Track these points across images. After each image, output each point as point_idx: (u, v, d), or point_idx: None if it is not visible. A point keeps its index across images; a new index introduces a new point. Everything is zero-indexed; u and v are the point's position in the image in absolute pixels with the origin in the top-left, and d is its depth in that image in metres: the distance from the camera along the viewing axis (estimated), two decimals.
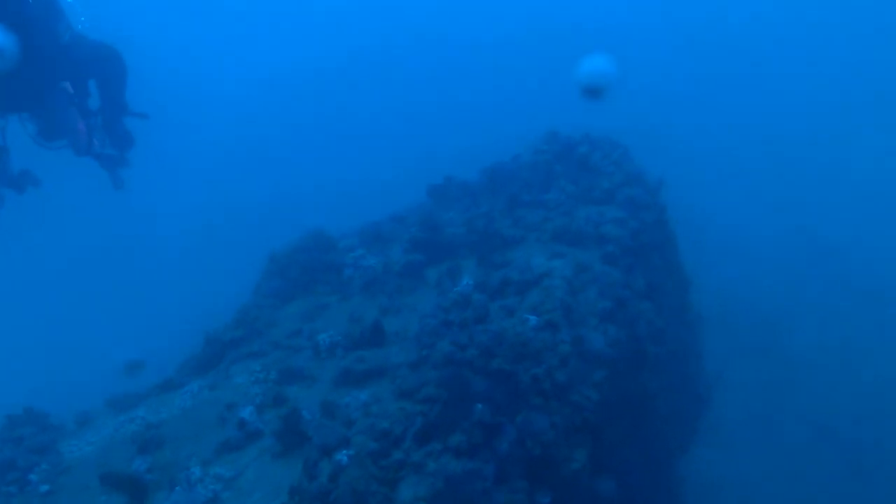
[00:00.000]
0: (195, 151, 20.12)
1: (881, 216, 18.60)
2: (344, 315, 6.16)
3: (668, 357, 6.67)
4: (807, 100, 22.98)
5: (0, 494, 4.89)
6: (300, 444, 4.59)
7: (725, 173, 20.79)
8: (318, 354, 5.56)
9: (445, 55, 24.72)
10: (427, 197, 8.53)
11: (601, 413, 5.29)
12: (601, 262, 6.22)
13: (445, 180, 8.52)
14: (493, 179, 7.96)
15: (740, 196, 20.35)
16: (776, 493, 12.91)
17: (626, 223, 6.47)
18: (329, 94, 23.60)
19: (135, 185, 7.30)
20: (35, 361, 15.62)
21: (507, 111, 21.73)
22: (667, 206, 8.52)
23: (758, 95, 23.43)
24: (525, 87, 23.10)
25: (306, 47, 25.98)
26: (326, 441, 4.46)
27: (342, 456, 4.23)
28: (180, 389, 5.51)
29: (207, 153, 20.50)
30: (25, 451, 5.34)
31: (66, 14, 6.14)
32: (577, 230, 6.55)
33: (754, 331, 16.96)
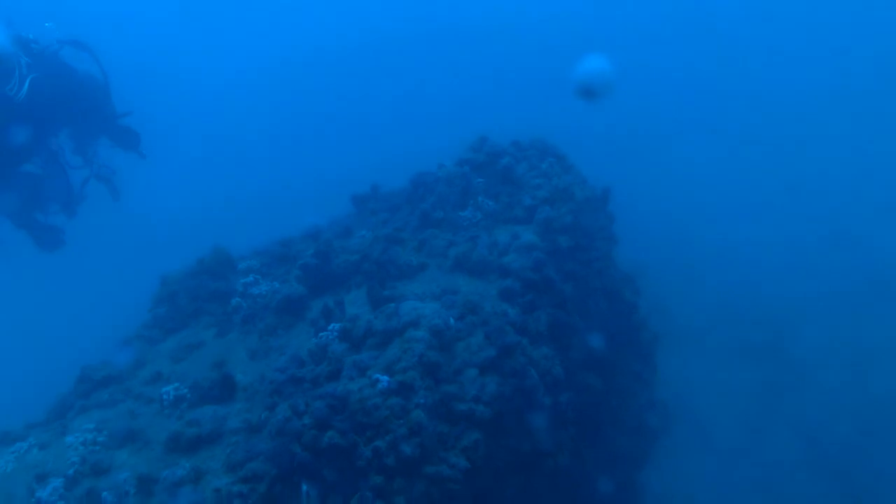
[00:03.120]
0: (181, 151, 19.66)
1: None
2: (213, 357, 5.58)
3: (586, 402, 5.95)
4: (805, 95, 21.94)
5: None
6: None
7: (723, 167, 19.92)
8: (162, 409, 5.00)
9: (431, 48, 23.90)
10: (352, 207, 7.88)
11: (476, 481, 4.64)
12: (498, 298, 5.50)
13: (371, 189, 7.84)
14: (414, 191, 7.25)
15: (741, 185, 19.31)
16: None
17: (532, 252, 5.71)
18: (316, 87, 23.04)
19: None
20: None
21: (502, 105, 20.92)
22: (613, 218, 7.74)
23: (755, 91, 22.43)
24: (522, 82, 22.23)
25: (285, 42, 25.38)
26: None
27: None
28: (12, 446, 5.01)
29: (194, 152, 20.04)
30: None
31: (15, 65, 5.97)
32: (478, 259, 5.82)
33: (755, 328, 16.04)
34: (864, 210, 17.54)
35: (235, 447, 4.42)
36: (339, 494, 4.18)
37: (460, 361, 4.87)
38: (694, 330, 15.91)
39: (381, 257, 5.98)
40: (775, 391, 14.17)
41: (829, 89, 22.64)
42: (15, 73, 5.94)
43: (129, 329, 6.61)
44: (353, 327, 4.97)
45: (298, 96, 22.87)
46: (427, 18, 25.31)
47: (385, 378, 4.45)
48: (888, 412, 12.38)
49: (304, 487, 4.11)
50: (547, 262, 5.66)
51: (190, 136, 20.37)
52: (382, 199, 7.48)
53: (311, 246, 6.99)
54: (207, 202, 18.80)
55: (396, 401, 4.37)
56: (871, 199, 17.87)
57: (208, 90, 23.27)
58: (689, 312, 16.17)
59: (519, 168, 6.84)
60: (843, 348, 14.41)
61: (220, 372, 5.00)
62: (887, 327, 14.77)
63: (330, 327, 5.06)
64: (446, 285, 5.61)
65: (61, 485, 4.34)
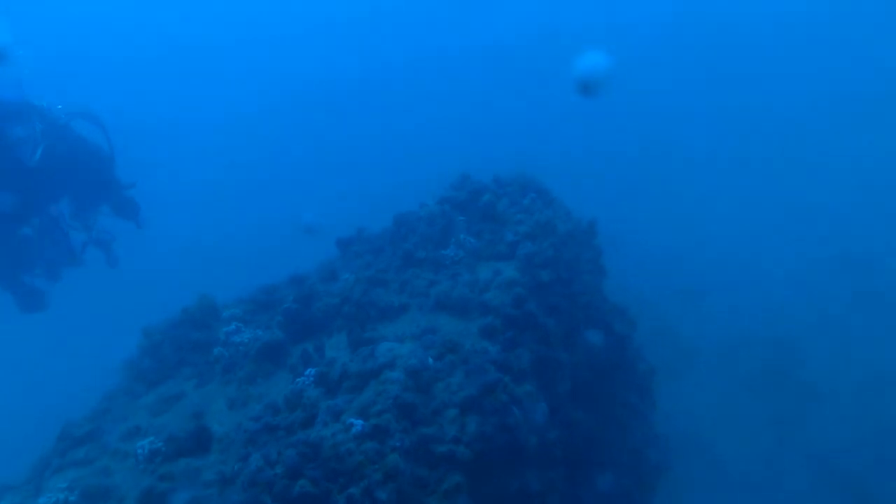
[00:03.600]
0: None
1: None
2: (192, 408, 5.49)
3: (575, 438, 5.79)
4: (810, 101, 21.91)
5: None
6: None
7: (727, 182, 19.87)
8: (137, 465, 4.89)
9: (432, 72, 24.21)
10: (336, 250, 7.84)
11: None
12: (479, 336, 5.41)
13: (356, 232, 7.82)
14: (397, 232, 7.21)
15: (749, 207, 19.21)
16: None
17: (513, 287, 5.63)
18: (302, 128, 23.31)
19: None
20: None
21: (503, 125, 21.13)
22: (601, 251, 7.68)
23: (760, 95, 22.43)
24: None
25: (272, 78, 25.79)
26: None
27: None
28: None
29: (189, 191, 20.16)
30: None
31: (31, 131, 6.31)
32: (458, 297, 5.74)
33: (765, 355, 15.75)
34: (876, 231, 17.37)
35: (208, 501, 4.30)
36: None
37: (439, 402, 4.75)
38: (701, 358, 15.67)
39: (362, 299, 5.92)
40: (788, 419, 13.84)
41: (836, 108, 22.62)
42: (31, 139, 6.24)
43: (115, 383, 6.54)
44: (330, 371, 4.88)
45: (285, 138, 23.13)
46: (412, 52, 25.68)
47: (359, 422, 4.34)
48: None
49: None
50: (528, 297, 5.58)
51: (178, 182, 20.50)
52: (366, 241, 7.44)
53: (295, 291, 6.94)
54: (196, 249, 18.80)
55: (371, 445, 4.25)
56: (883, 220, 17.71)
57: (194, 134, 23.49)
58: (696, 341, 15.96)
59: (500, 204, 6.81)
60: (857, 374, 14.12)
61: (195, 424, 4.90)
62: None
63: (306, 372, 4.98)
64: (427, 325, 5.52)
65: None
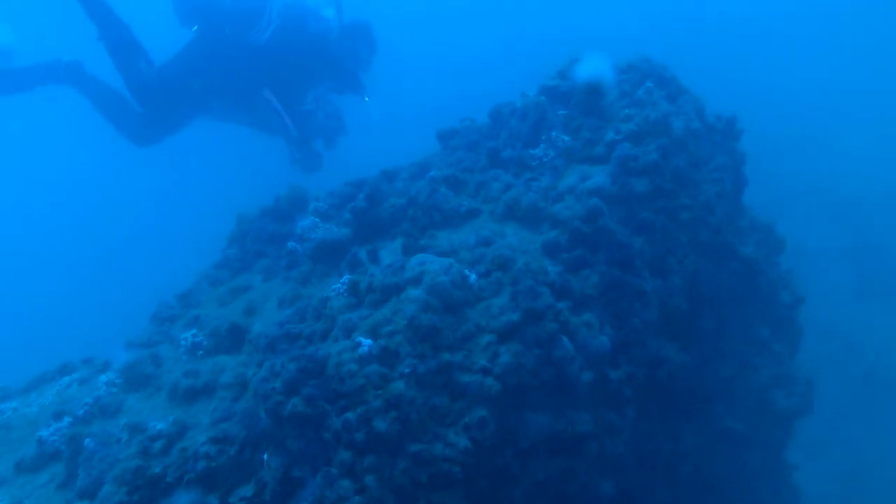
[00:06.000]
0: None
1: None
2: (250, 303, 5.41)
3: (659, 378, 4.95)
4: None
5: None
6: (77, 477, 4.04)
7: None
8: (180, 356, 4.92)
9: None
10: (438, 143, 7.25)
11: (486, 464, 4.03)
12: (541, 253, 4.66)
13: (459, 123, 7.14)
14: (493, 126, 6.45)
15: None
16: None
17: (591, 197, 4.74)
18: None
19: None
20: None
21: None
22: (744, 157, 6.35)
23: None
24: None
25: None
26: (86, 483, 3.86)
27: None
28: (61, 379, 5.25)
29: None
30: None
31: (269, 10, 6.49)
32: (528, 206, 4.97)
33: None
34: None
35: (220, 403, 4.20)
36: (306, 466, 3.80)
37: (473, 325, 4.18)
38: None
39: (427, 202, 5.35)
40: None
41: None
42: (265, 17, 6.40)
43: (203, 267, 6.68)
44: (360, 281, 4.47)
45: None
46: None
47: (367, 342, 3.92)
48: None
49: (265, 456, 3.78)
50: (609, 210, 4.67)
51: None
52: (464, 135, 6.76)
53: (370, 188, 6.53)
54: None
55: (375, 368, 3.83)
56: None
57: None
58: None
59: (609, 96, 5.75)
60: None
61: (230, 321, 4.80)
62: None
63: (342, 280, 4.61)
64: (488, 235, 4.86)
65: (67, 424, 4.43)
